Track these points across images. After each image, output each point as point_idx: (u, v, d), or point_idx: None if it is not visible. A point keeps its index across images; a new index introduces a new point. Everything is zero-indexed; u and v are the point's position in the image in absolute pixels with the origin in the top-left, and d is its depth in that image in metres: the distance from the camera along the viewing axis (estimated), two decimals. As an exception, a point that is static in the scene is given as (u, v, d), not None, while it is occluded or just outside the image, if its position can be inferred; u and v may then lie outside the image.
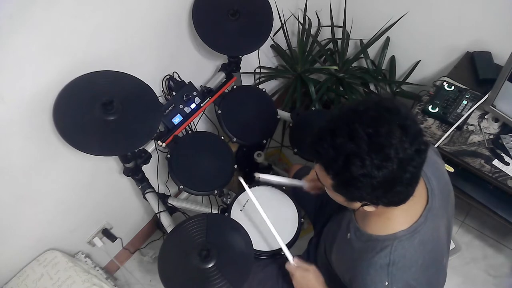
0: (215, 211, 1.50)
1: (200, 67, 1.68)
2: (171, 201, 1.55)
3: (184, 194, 1.81)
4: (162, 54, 1.45)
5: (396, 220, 0.87)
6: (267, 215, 1.19)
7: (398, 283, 0.84)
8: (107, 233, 1.69)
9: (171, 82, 1.47)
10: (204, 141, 1.51)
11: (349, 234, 0.97)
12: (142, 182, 1.52)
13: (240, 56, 1.59)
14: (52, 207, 1.41)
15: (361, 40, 1.91)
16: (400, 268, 0.84)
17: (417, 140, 0.73)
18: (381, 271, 0.84)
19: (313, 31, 1.96)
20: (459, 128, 1.42)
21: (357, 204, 0.83)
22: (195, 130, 1.62)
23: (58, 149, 1.26)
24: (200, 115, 1.54)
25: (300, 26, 1.89)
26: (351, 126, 0.72)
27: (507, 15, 1.44)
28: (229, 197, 1.64)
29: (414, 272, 0.85)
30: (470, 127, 1.44)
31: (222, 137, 1.54)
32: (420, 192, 0.87)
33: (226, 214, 1.37)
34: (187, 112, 1.46)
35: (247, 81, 1.92)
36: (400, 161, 0.71)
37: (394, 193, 0.76)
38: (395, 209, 0.84)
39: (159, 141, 1.40)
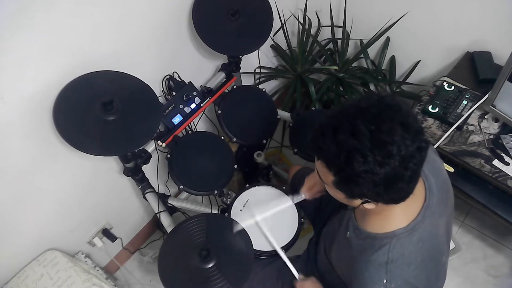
0: (215, 211, 1.50)
1: (200, 67, 1.68)
2: (171, 201, 1.55)
3: (184, 194, 1.81)
4: (162, 54, 1.45)
5: (395, 218, 0.87)
6: (267, 216, 1.19)
7: (396, 281, 0.84)
8: (107, 233, 1.69)
9: (171, 82, 1.47)
10: (204, 141, 1.51)
11: (348, 233, 0.98)
12: (142, 182, 1.52)
13: (240, 56, 1.59)
14: (52, 207, 1.41)
15: (361, 40, 1.91)
16: (398, 266, 0.84)
17: (418, 138, 0.74)
18: (380, 268, 0.84)
19: (313, 31, 1.96)
20: (459, 128, 1.42)
21: (357, 202, 0.83)
22: (195, 130, 1.62)
23: (58, 149, 1.26)
24: (200, 115, 1.54)
25: (300, 26, 1.89)
26: (353, 123, 0.73)
27: (507, 15, 1.44)
28: (229, 197, 1.64)
29: (412, 270, 0.85)
30: (470, 127, 1.43)
31: (222, 137, 1.54)
32: (418, 190, 0.87)
33: (226, 214, 1.37)
34: (187, 112, 1.46)
35: (247, 81, 1.92)
36: (402, 158, 0.72)
37: (395, 190, 0.77)
38: (394, 207, 0.84)
39: (159, 141, 1.40)
